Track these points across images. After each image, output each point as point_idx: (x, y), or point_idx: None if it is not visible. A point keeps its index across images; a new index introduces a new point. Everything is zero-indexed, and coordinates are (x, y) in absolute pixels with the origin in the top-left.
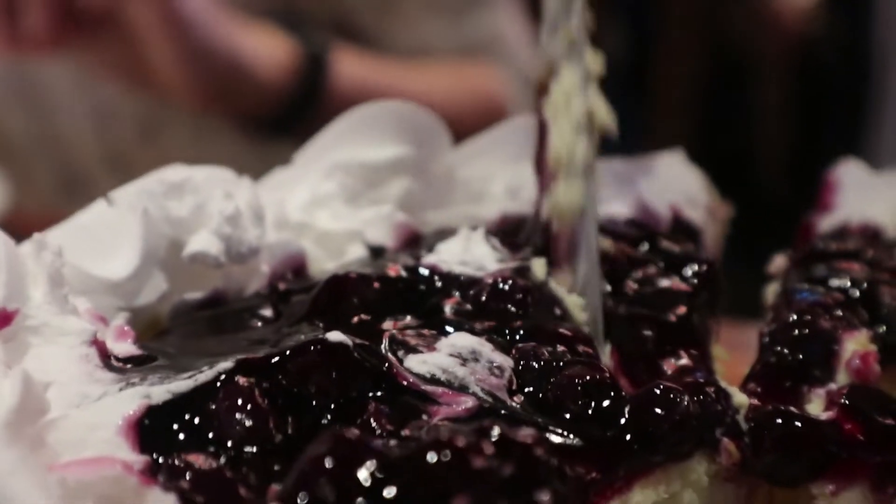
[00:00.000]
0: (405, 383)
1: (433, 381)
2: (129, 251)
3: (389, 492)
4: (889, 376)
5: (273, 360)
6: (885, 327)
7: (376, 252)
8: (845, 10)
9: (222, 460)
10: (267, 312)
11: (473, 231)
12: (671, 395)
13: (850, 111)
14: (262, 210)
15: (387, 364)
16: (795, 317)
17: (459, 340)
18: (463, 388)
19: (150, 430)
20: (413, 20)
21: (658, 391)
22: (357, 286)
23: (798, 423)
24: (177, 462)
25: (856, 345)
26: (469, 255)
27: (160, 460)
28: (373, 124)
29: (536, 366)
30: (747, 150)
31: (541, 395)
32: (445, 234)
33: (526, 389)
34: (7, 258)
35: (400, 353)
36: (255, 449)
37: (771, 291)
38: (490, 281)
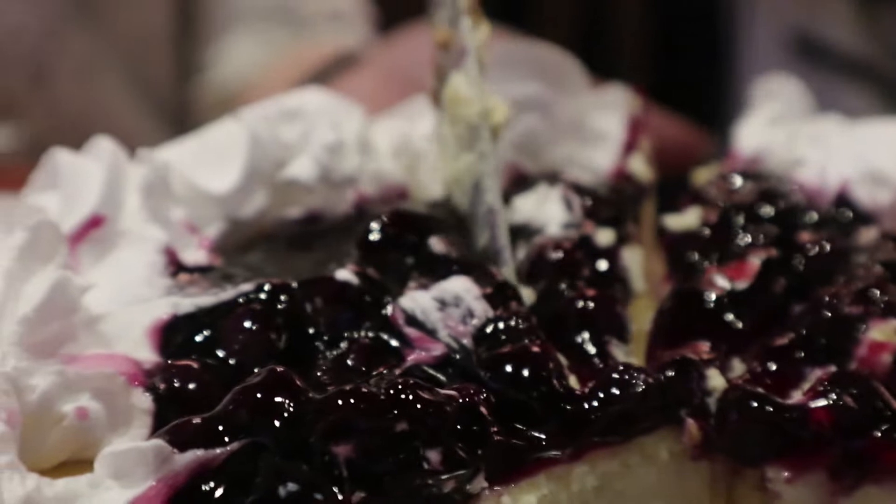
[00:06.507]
0: (394, 324)
1: (413, 321)
2: (235, 167)
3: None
4: None
5: (286, 290)
6: None
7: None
8: None
9: (210, 373)
10: (342, 235)
11: (552, 188)
12: (626, 377)
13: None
14: (368, 140)
15: (388, 303)
16: (827, 298)
17: (451, 285)
18: (433, 333)
19: (171, 336)
20: None
21: (616, 373)
22: (403, 224)
23: (766, 406)
24: (172, 368)
25: (880, 334)
26: (539, 212)
27: (168, 363)
28: (506, 63)
29: (499, 327)
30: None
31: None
32: (545, 177)
33: (486, 345)
34: (109, 169)
35: (406, 289)
36: (242, 368)
37: None
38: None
